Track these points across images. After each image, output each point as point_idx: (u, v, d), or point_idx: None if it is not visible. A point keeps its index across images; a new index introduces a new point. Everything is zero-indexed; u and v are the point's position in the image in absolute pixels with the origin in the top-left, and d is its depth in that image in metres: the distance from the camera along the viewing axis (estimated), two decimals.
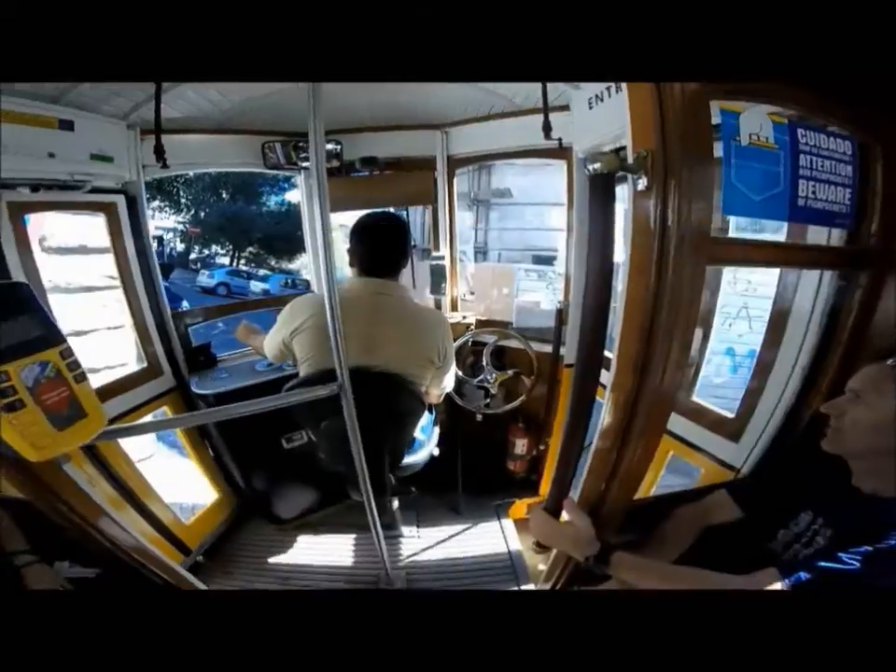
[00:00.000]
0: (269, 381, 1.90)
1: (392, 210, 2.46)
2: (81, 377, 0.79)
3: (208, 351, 2.09)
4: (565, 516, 1.05)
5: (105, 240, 1.90)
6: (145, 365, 1.90)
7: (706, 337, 1.57)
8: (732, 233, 1.40)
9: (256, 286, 15.40)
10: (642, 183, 0.74)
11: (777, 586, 0.78)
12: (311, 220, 2.49)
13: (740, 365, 4.12)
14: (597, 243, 0.77)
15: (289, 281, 15.14)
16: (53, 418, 0.74)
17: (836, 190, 1.00)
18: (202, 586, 1.48)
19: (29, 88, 1.41)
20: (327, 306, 1.04)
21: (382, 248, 1.45)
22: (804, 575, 0.77)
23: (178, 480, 2.20)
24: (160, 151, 1.80)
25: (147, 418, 1.86)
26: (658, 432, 0.95)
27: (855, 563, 0.74)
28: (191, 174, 13.35)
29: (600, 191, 0.76)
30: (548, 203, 7.33)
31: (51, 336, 0.76)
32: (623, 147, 1.56)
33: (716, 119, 0.85)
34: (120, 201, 1.84)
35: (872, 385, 0.84)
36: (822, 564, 0.77)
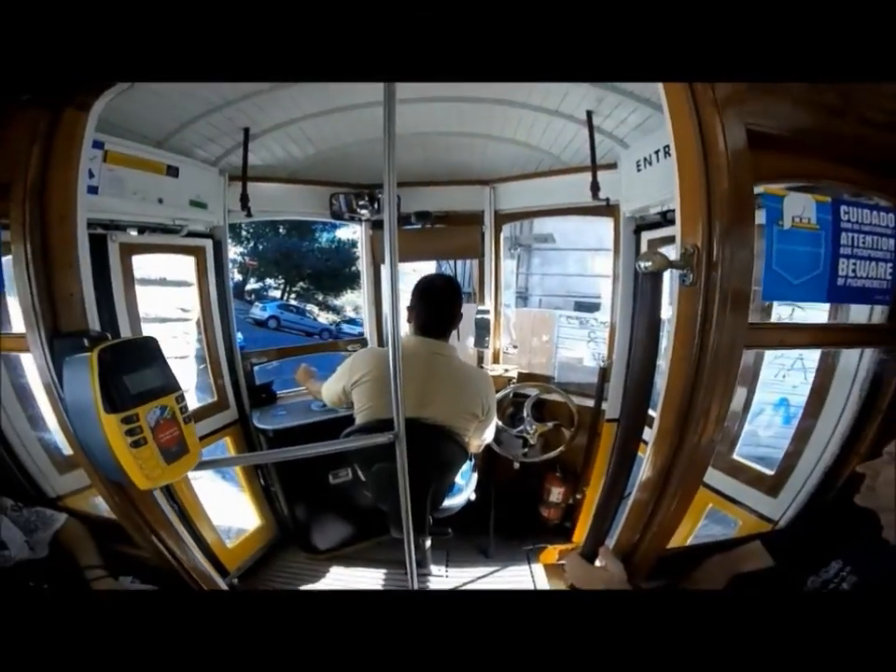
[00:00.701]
0: (324, 421, 2.04)
1: (449, 274, 2.57)
2: (188, 419, 0.93)
3: (270, 389, 2.27)
4: (599, 562, 1.10)
5: (181, 275, 2.10)
6: (214, 398, 2.08)
7: (749, 397, 1.58)
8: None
9: (307, 322, 16.13)
10: (688, 279, 0.83)
11: None
12: (367, 269, 2.67)
13: (794, 416, 3.92)
14: (643, 337, 0.87)
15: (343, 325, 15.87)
16: (165, 453, 0.87)
17: (877, 266, 1.02)
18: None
19: (134, 131, 1.57)
20: (390, 362, 1.15)
21: (439, 312, 1.60)
22: None
23: (225, 503, 2.35)
24: (245, 199, 2.01)
25: (210, 448, 2.03)
26: (694, 488, 1.00)
27: None
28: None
29: (650, 288, 0.86)
30: (590, 249, 7.40)
31: (170, 384, 0.90)
32: (670, 210, 1.65)
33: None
34: (208, 245, 2.06)
35: None
36: None
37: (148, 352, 0.90)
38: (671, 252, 0.88)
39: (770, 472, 1.40)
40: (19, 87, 0.88)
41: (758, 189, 0.90)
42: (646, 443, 1.05)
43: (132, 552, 1.29)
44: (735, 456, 1.55)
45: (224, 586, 1.51)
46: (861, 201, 1.03)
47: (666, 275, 0.92)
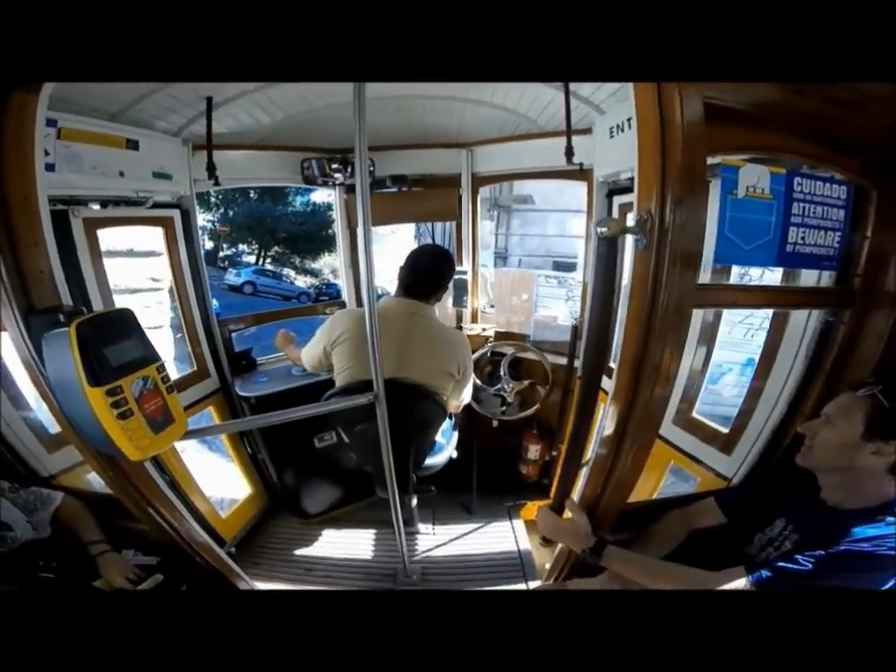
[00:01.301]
0: (305, 385, 2.07)
1: (445, 247, 2.55)
2: (171, 389, 0.96)
3: (249, 356, 2.28)
4: (567, 514, 1.20)
5: (150, 245, 2.04)
6: (194, 368, 2.09)
7: (708, 356, 1.68)
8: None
9: (284, 286, 15.80)
10: (642, 243, 0.87)
11: (741, 582, 0.91)
12: (342, 232, 2.64)
13: None
14: (600, 296, 0.93)
15: (322, 288, 15.59)
16: (151, 424, 0.91)
17: (826, 235, 1.09)
18: (244, 575, 1.65)
19: (89, 105, 1.52)
20: (367, 323, 1.17)
21: (425, 276, 1.64)
22: (764, 573, 0.91)
23: (214, 474, 2.41)
24: (212, 168, 1.96)
25: (195, 417, 2.06)
26: (649, 442, 1.08)
27: (808, 564, 0.88)
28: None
29: (606, 251, 0.91)
30: (570, 210, 7.39)
31: (150, 355, 0.93)
32: None
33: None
34: (176, 214, 2.01)
35: (841, 411, 0.95)
36: (780, 564, 0.91)
37: (126, 324, 0.91)
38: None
39: (725, 430, 1.51)
40: None
41: (717, 160, 0.94)
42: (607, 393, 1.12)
43: (131, 525, 1.34)
44: (694, 414, 1.67)
45: (223, 555, 1.58)
46: (817, 173, 1.08)
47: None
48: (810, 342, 1.25)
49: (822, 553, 0.87)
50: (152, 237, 2.29)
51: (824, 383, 1.22)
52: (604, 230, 0.87)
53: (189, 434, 1.05)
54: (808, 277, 1.23)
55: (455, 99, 2.02)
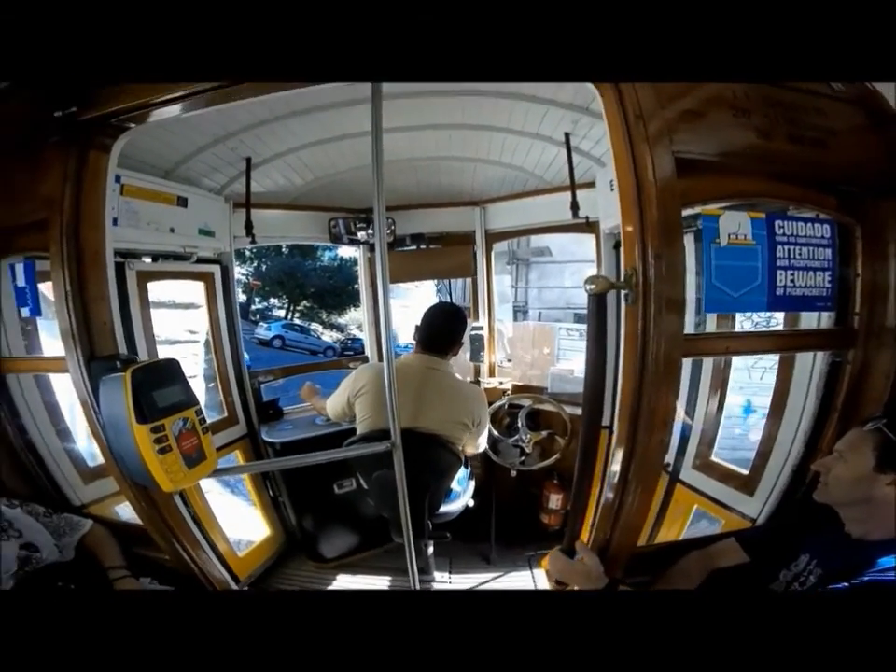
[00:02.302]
0: (327, 434, 2.14)
1: (458, 304, 2.67)
2: (206, 430, 1.06)
3: (276, 405, 2.39)
4: (578, 556, 1.19)
5: (190, 298, 2.22)
6: (225, 415, 2.21)
7: (721, 403, 1.68)
8: None
9: (311, 340, 16.34)
10: (630, 299, 0.95)
11: None
12: (366, 290, 2.80)
13: None
14: (593, 352, 0.98)
15: (347, 342, 16.12)
16: (187, 460, 1.00)
17: (815, 275, 1.11)
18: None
19: (145, 162, 1.69)
20: (385, 376, 1.26)
21: (442, 333, 1.76)
22: None
23: (235, 515, 2.44)
24: (250, 226, 2.14)
25: (223, 459, 2.15)
26: (652, 484, 1.10)
27: None
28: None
29: (595, 307, 0.96)
30: (586, 261, 7.51)
31: (190, 399, 1.04)
32: None
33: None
34: (216, 270, 2.19)
35: (851, 446, 0.97)
36: None
37: (172, 371, 1.03)
38: None
39: (745, 472, 1.49)
40: (45, 124, 0.98)
41: (696, 210, 1.02)
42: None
43: (150, 554, 1.41)
44: (713, 458, 1.65)
45: (237, 588, 1.61)
46: (799, 214, 1.12)
47: None
48: (819, 382, 1.26)
49: (846, 584, 0.86)
50: (191, 291, 2.49)
51: (838, 421, 1.22)
52: (592, 286, 0.92)
53: (217, 472, 1.13)
54: (809, 319, 1.27)
55: (465, 160, 2.20)
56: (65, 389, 1.22)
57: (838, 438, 1.07)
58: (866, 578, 0.86)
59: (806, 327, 1.29)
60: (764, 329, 2.03)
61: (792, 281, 1.10)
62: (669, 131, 0.92)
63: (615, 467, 1.06)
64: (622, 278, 0.98)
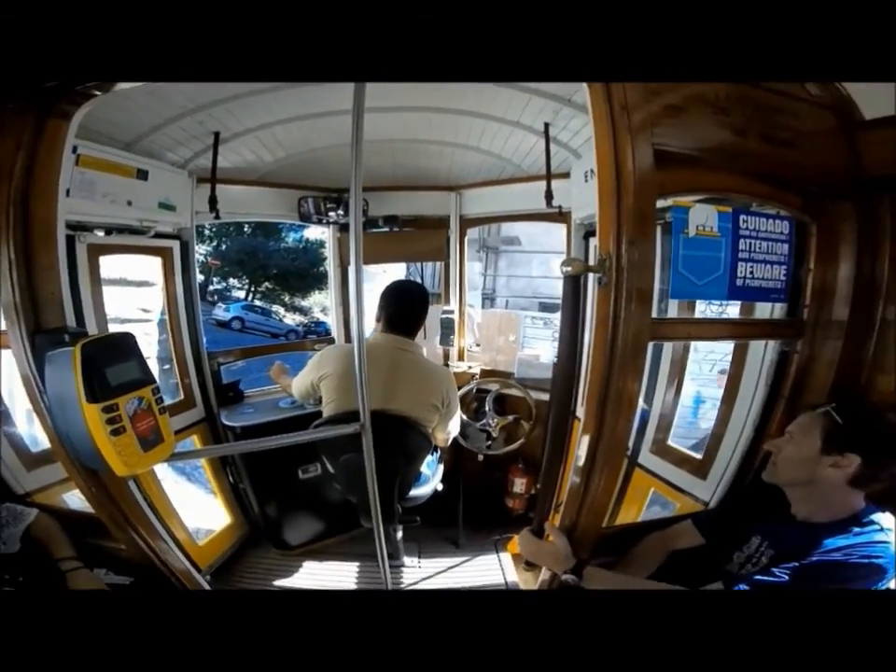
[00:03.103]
0: (290, 418, 2.10)
1: (417, 280, 2.66)
2: (163, 410, 1.01)
3: (237, 388, 2.31)
4: (547, 537, 1.23)
5: (143, 275, 2.09)
6: (181, 397, 2.11)
7: (678, 391, 1.76)
8: None
9: (273, 323, 15.81)
10: (603, 281, 0.96)
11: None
12: (334, 270, 2.74)
13: None
14: (566, 333, 1.01)
15: (311, 326, 15.69)
16: (142, 442, 0.95)
17: (772, 269, 1.18)
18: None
19: (105, 134, 1.59)
20: (355, 356, 1.23)
21: (406, 312, 1.72)
22: (742, 587, 0.95)
23: (193, 503, 2.37)
24: (214, 202, 2.04)
25: (179, 444, 2.06)
26: (617, 467, 1.14)
27: (784, 576, 0.92)
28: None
29: (570, 289, 0.99)
30: (555, 252, 7.66)
31: (147, 377, 0.98)
32: None
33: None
34: (175, 246, 2.08)
35: (801, 428, 1.04)
36: (757, 577, 0.96)
37: (127, 347, 0.97)
38: None
39: (699, 456, 1.57)
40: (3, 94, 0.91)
41: (668, 203, 1.05)
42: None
43: (104, 544, 1.34)
44: (669, 442, 1.73)
45: (199, 578, 1.55)
46: (763, 210, 1.18)
47: None
48: (769, 370, 1.34)
49: (797, 564, 0.92)
50: (145, 267, 2.35)
51: (785, 408, 1.30)
52: (568, 268, 0.96)
53: (175, 456, 1.08)
54: (762, 310, 1.34)
55: (444, 144, 2.17)
56: (5, 365, 1.12)
57: (785, 424, 1.14)
58: (814, 558, 0.92)
59: (760, 317, 1.36)
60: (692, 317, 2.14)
61: (752, 273, 1.16)
62: (652, 123, 0.94)
63: (582, 449, 1.09)
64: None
